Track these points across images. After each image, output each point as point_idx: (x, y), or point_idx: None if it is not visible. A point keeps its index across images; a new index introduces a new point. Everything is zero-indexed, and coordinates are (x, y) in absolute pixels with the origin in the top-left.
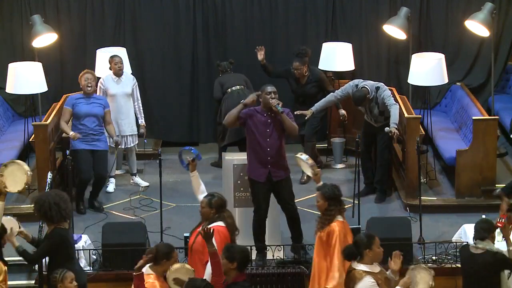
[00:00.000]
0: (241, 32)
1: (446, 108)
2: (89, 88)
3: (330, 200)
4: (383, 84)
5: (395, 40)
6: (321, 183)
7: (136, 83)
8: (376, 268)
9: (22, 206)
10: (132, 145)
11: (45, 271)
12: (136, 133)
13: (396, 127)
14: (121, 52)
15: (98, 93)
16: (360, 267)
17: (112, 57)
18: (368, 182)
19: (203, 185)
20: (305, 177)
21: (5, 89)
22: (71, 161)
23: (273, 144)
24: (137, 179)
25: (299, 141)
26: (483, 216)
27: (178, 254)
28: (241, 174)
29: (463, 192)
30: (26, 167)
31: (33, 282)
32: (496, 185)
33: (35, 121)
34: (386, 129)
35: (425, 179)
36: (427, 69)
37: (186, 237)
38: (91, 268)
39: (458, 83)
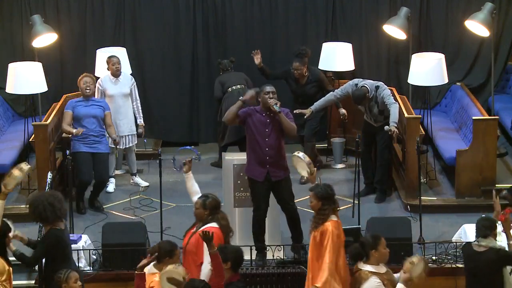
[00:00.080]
0: (241, 32)
1: (446, 108)
2: (87, 91)
3: (323, 200)
4: (382, 83)
5: (395, 40)
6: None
7: (135, 83)
8: (382, 269)
9: (22, 206)
10: (131, 145)
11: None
12: (135, 133)
13: (396, 126)
14: (121, 52)
15: (96, 94)
16: (366, 267)
17: (109, 57)
18: (368, 182)
19: (197, 185)
20: (305, 177)
21: (5, 89)
22: (71, 161)
23: (272, 144)
24: (137, 179)
25: (298, 141)
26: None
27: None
28: (241, 174)
29: (463, 192)
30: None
31: (33, 282)
32: (496, 185)
33: (35, 121)
34: (386, 127)
35: (425, 179)
36: (427, 69)
37: None
38: (91, 268)
39: (458, 83)
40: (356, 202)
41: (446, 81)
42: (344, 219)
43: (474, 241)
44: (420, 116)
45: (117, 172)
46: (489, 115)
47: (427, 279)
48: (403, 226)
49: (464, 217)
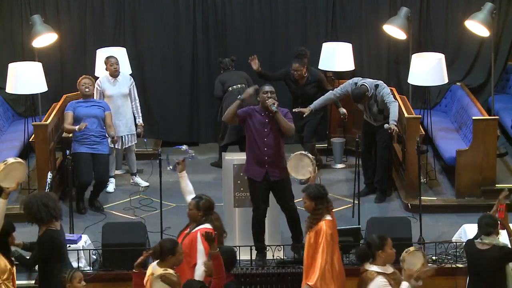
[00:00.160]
0: (241, 32)
1: (446, 108)
2: (87, 90)
3: (316, 200)
4: (382, 82)
5: (395, 40)
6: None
7: (133, 83)
8: (389, 269)
9: None
10: (130, 144)
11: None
12: (134, 132)
13: (396, 124)
14: (121, 52)
15: (95, 95)
16: (373, 268)
17: (107, 58)
18: (368, 182)
19: (191, 185)
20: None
21: (5, 89)
22: (71, 161)
23: (270, 144)
24: (137, 179)
25: (298, 142)
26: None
27: None
28: (241, 174)
29: (463, 192)
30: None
31: (33, 282)
32: (496, 185)
33: (35, 121)
34: (386, 126)
35: (425, 179)
36: (427, 69)
37: None
38: (91, 268)
39: (458, 83)
40: (356, 202)
41: (446, 81)
42: (344, 219)
43: (477, 239)
44: (420, 116)
45: (117, 172)
46: (489, 115)
47: (433, 271)
48: (403, 226)
49: (464, 217)
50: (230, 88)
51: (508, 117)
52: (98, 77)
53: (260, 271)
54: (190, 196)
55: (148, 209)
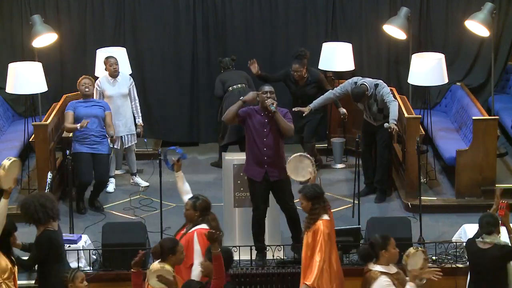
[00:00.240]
0: (241, 32)
1: (446, 108)
2: (87, 90)
3: (313, 200)
4: (381, 81)
5: (395, 40)
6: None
7: (133, 83)
8: (393, 269)
9: None
10: (130, 144)
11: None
12: (134, 132)
13: (396, 123)
14: (121, 52)
15: (95, 95)
16: (376, 267)
17: (107, 58)
18: (368, 182)
19: (188, 185)
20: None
21: (5, 89)
22: (71, 161)
23: (270, 144)
24: (137, 179)
25: (298, 142)
26: None
27: None
28: (241, 174)
29: (463, 192)
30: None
31: (33, 282)
32: (496, 185)
33: (35, 121)
34: (386, 125)
35: (425, 179)
36: (427, 69)
37: None
38: (91, 268)
39: (458, 83)
40: (356, 202)
41: (446, 81)
42: (344, 219)
43: (478, 238)
44: (420, 116)
45: (117, 172)
46: (489, 115)
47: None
48: (403, 226)
49: (464, 217)
50: (230, 88)
51: (508, 117)
52: (98, 77)
53: (260, 271)
54: (187, 196)
55: (148, 209)
